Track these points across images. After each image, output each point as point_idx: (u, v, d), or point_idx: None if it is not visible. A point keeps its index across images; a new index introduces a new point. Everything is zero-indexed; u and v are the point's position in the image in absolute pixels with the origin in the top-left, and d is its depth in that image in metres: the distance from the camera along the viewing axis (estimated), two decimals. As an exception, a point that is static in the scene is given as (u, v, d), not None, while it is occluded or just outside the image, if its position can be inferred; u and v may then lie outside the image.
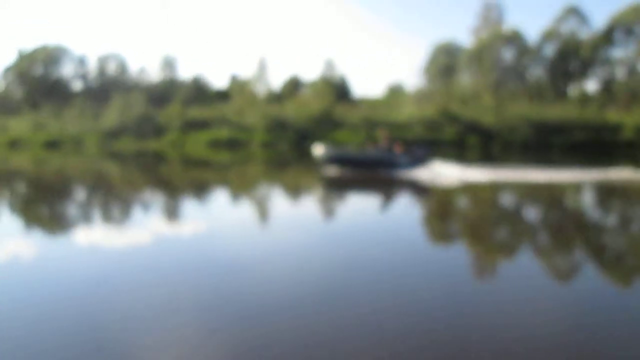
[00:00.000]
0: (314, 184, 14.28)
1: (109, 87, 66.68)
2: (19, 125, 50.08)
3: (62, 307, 4.12)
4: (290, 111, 40.15)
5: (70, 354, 3.31)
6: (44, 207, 10.35)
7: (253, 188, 13.45)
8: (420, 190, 12.64)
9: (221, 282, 4.72)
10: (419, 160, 16.19)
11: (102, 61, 68.17)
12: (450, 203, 10.76)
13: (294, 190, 13.02)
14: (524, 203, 10.93)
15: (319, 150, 16.50)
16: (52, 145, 43.96)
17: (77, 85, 68.70)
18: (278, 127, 38.54)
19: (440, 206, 10.23)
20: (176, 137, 40.36)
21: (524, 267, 5.53)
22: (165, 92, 62.10)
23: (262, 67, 57.41)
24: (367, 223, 8.08)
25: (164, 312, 3.95)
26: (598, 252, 6.37)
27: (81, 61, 68.71)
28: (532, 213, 9.64)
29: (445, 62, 44.40)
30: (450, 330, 3.67)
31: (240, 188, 13.58)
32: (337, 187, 13.28)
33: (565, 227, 8.12)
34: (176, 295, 4.34)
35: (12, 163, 25.34)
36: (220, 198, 11.45)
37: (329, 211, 9.46)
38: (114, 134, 43.18)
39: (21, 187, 14.32)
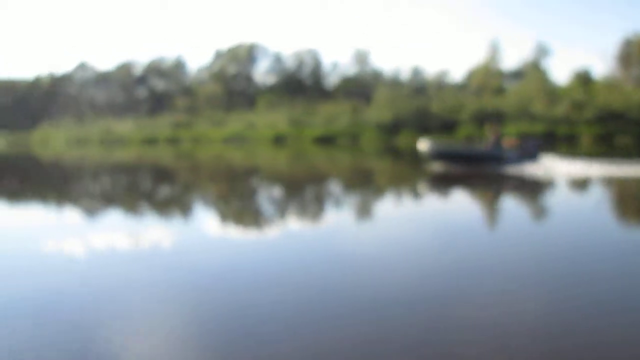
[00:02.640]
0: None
1: (310, 81, 67.01)
2: (263, 120, 50.37)
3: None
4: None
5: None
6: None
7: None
8: (530, 187, 12.07)
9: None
10: (530, 155, 15.55)
11: (299, 57, 68.29)
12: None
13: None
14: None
15: (423, 145, 16.10)
16: (324, 140, 43.54)
17: (270, 81, 69.36)
18: (613, 117, 35.03)
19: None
20: (471, 131, 38.43)
21: None
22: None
23: (494, 50, 54.42)
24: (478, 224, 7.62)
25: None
26: None
27: (277, 58, 69.23)
28: None
29: None
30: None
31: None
32: (441, 184, 12.95)
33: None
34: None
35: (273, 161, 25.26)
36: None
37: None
38: (391, 128, 41.96)
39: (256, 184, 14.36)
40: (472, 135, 36.97)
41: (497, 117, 38.60)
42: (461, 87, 56.18)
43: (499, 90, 49.31)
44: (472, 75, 57.21)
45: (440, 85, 59.29)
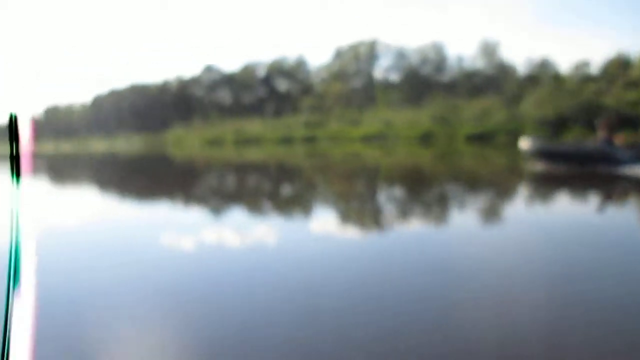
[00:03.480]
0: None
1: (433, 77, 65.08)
2: (402, 117, 49.27)
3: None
4: None
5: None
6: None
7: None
8: None
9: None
10: None
11: (422, 51, 66.42)
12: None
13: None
14: None
15: (525, 143, 15.48)
16: (479, 138, 41.75)
17: (393, 77, 68.17)
18: None
19: None
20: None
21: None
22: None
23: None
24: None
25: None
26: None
27: (400, 54, 67.81)
28: None
29: None
30: None
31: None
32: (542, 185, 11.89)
33: None
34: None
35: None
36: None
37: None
38: (556, 125, 39.17)
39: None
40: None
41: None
42: (602, 79, 51.79)
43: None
44: (623, 66, 52.48)
45: (581, 78, 55.09)
